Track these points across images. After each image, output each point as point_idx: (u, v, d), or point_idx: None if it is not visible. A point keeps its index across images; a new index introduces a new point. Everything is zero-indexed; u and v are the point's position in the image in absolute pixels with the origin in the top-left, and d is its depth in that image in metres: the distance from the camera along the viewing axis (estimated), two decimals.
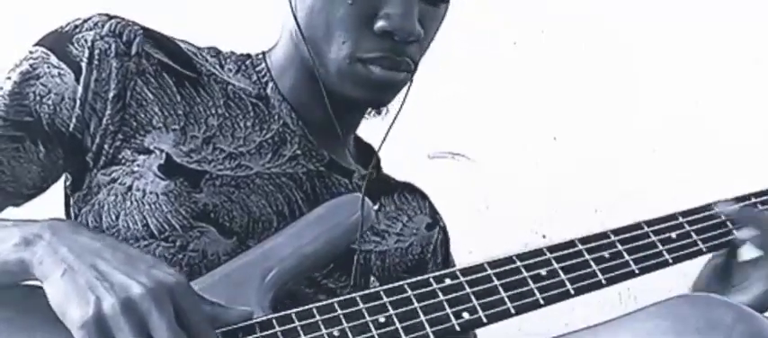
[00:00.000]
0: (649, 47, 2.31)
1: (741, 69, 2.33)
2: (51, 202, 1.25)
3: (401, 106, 1.31)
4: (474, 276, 1.09)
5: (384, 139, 1.33)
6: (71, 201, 1.24)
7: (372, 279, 1.32)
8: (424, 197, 1.47)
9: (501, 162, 2.23)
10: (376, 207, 1.24)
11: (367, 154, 1.41)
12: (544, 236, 2.12)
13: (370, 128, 1.39)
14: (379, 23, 1.19)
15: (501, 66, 2.24)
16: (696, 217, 1.21)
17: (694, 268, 1.56)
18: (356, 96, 1.24)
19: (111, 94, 1.19)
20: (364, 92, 1.23)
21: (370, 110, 1.33)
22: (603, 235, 1.16)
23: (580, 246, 1.14)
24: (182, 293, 0.95)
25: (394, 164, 1.47)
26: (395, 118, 1.31)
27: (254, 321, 1.02)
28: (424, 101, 1.34)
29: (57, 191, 1.26)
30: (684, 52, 2.31)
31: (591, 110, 2.27)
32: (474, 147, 2.25)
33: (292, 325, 1.02)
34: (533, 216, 2.12)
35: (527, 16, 2.28)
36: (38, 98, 1.17)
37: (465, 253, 1.50)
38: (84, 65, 1.18)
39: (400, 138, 1.37)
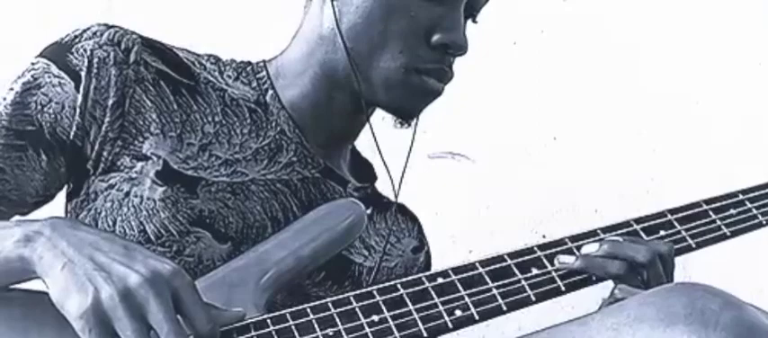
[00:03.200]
0: (649, 47, 2.31)
1: (741, 70, 2.32)
2: (52, 206, 1.26)
3: (414, 135, 1.37)
4: (466, 274, 1.09)
5: (409, 155, 1.39)
6: (68, 208, 1.26)
7: None
8: (415, 220, 1.49)
9: (501, 162, 2.22)
10: (369, 211, 1.25)
11: (364, 170, 1.42)
12: (544, 236, 2.10)
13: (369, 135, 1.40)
14: (438, 36, 1.24)
15: (501, 66, 2.23)
16: (685, 214, 1.21)
17: (695, 263, 1.56)
18: (401, 106, 1.29)
19: (110, 102, 1.20)
20: (413, 101, 1.28)
21: (400, 121, 1.35)
22: (593, 232, 1.17)
23: (570, 244, 1.15)
24: (179, 282, 0.96)
25: (394, 165, 1.47)
26: (414, 133, 1.37)
27: (249, 321, 1.02)
28: None
29: (58, 197, 1.27)
30: (684, 52, 2.31)
31: (591, 110, 2.27)
32: (474, 147, 2.24)
33: (286, 325, 1.02)
34: (533, 216, 2.12)
35: (527, 16, 2.28)
36: (39, 107, 1.19)
37: (465, 252, 1.51)
38: (83, 74, 1.19)
39: (400, 139, 1.37)
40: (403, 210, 1.47)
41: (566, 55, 2.29)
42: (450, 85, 1.36)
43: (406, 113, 1.32)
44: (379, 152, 1.35)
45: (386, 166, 1.38)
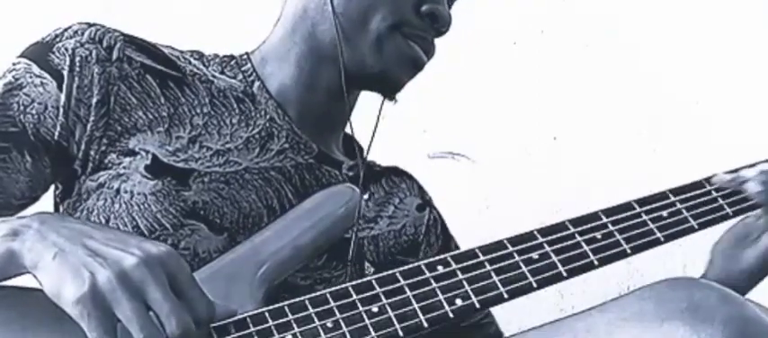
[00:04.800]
0: (649, 47, 2.31)
1: (741, 69, 2.32)
2: (37, 208, 1.24)
3: (383, 101, 1.36)
4: (466, 262, 1.08)
5: (375, 128, 1.37)
6: (60, 210, 1.24)
7: (367, 264, 1.33)
8: (412, 178, 1.49)
9: (501, 162, 2.23)
10: (366, 196, 1.25)
11: (351, 144, 1.42)
12: None
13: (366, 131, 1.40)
14: (427, 6, 1.27)
15: (501, 66, 2.24)
16: (687, 195, 1.21)
17: (694, 259, 1.55)
18: (386, 69, 1.28)
19: (94, 100, 1.19)
20: (395, 65, 1.28)
21: (385, 94, 1.34)
22: (594, 216, 1.16)
23: (572, 229, 1.14)
24: (174, 263, 0.95)
25: (394, 165, 1.47)
26: (379, 112, 1.36)
27: (246, 314, 1.01)
28: (424, 101, 1.34)
29: (46, 198, 1.26)
30: (684, 52, 2.31)
31: (591, 110, 2.27)
32: (474, 147, 2.24)
33: (286, 319, 1.01)
34: (533, 216, 2.11)
35: (527, 16, 2.28)
36: (22, 108, 1.18)
37: None
38: (65, 73, 1.19)
39: (400, 138, 1.37)
40: (397, 172, 1.47)
41: (566, 55, 2.29)
42: (450, 85, 1.36)
43: (391, 82, 1.31)
44: (352, 130, 1.36)
45: (352, 131, 1.39)
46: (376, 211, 1.38)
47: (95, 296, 0.90)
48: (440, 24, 1.29)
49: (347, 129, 1.41)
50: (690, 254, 1.25)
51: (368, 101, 1.38)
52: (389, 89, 1.32)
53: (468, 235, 2.09)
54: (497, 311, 1.38)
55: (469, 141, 2.24)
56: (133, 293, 0.91)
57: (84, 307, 0.90)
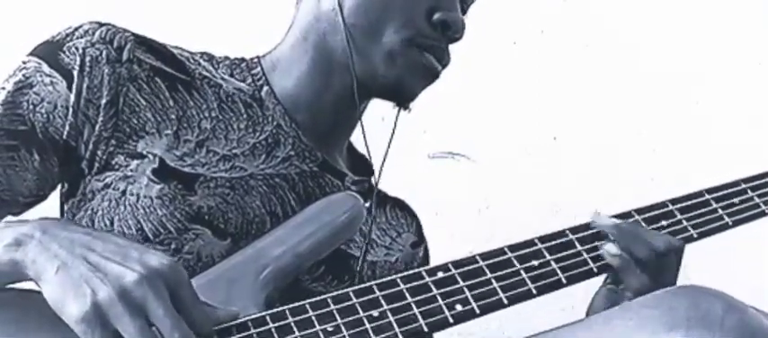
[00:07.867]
0: (649, 47, 2.31)
1: (742, 70, 2.32)
2: (47, 208, 1.25)
3: (398, 113, 1.36)
4: (466, 268, 1.09)
5: (388, 147, 1.37)
6: (65, 208, 1.24)
7: None
8: (414, 216, 1.49)
9: (501, 162, 2.23)
10: (367, 204, 1.25)
11: (361, 164, 1.42)
12: None
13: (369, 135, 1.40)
14: (440, 14, 1.26)
15: (500, 66, 2.24)
16: (686, 204, 1.21)
17: (693, 265, 1.55)
18: (401, 81, 1.27)
19: (103, 101, 1.19)
20: (413, 78, 1.28)
21: (398, 104, 1.34)
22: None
23: (571, 236, 1.14)
24: (175, 277, 0.95)
25: (394, 165, 1.46)
26: (395, 126, 1.36)
27: (247, 318, 1.02)
28: (423, 101, 1.34)
29: (52, 198, 1.26)
30: (684, 52, 2.31)
31: (591, 110, 2.27)
32: (474, 147, 2.24)
33: (286, 321, 1.02)
34: (533, 216, 2.12)
35: (527, 16, 2.28)
36: (31, 107, 1.18)
37: (465, 252, 1.50)
38: (75, 72, 1.19)
39: (400, 138, 1.37)
40: (402, 206, 1.47)
41: (566, 55, 2.29)
42: (450, 85, 1.36)
43: (405, 92, 1.30)
44: (366, 145, 1.35)
45: (368, 153, 1.38)
46: (375, 235, 1.38)
47: (97, 314, 0.91)
48: (453, 31, 1.27)
49: (352, 139, 1.42)
50: (690, 256, 1.24)
51: (369, 106, 1.38)
52: (403, 99, 1.32)
53: (468, 235, 2.11)
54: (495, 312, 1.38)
55: (469, 141, 2.24)
56: (135, 310, 0.91)
57: (87, 326, 0.90)
